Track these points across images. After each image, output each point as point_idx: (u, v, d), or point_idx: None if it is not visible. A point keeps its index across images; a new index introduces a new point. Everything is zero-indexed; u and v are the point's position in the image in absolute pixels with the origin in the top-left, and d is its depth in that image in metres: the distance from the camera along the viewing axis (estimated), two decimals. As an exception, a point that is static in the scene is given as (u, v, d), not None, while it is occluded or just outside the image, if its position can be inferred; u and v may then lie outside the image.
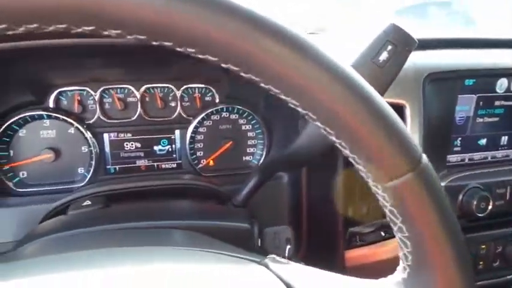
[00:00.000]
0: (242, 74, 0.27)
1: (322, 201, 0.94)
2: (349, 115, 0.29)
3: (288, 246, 0.75)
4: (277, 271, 0.44)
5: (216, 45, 0.25)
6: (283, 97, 0.29)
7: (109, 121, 1.03)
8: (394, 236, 0.37)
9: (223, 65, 0.27)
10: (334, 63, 0.28)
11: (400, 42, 0.57)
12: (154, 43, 0.25)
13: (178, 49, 0.26)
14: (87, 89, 0.99)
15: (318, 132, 0.71)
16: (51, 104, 0.97)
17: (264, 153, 1.13)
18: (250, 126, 1.13)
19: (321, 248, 0.95)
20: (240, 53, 0.26)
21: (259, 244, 0.74)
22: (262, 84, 0.28)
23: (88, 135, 0.99)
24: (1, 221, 0.85)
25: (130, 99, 1.04)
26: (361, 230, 0.94)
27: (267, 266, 0.48)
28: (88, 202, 0.72)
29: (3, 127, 0.92)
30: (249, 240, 0.70)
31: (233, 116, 1.12)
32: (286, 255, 0.74)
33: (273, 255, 0.51)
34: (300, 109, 0.30)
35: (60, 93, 0.98)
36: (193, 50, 0.26)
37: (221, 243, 0.59)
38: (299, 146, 0.75)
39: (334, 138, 0.30)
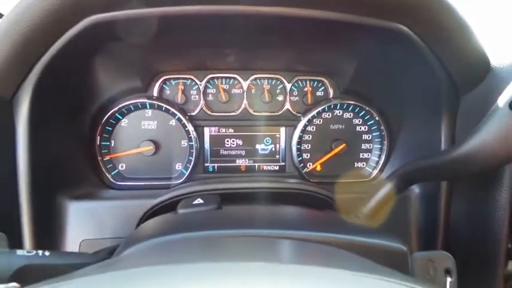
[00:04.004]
0: None
1: (472, 223, 0.74)
2: None
3: (449, 280, 0.57)
4: None
5: None
6: None
7: (212, 114, 0.93)
8: None
9: None
10: None
11: None
12: None
13: None
14: (192, 77, 0.91)
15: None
16: (155, 93, 0.91)
17: (382, 160, 0.96)
18: (366, 127, 0.97)
19: (467, 284, 0.74)
20: None
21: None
22: None
23: (190, 127, 0.91)
24: (99, 215, 0.78)
25: (235, 90, 0.94)
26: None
27: None
28: (200, 201, 0.61)
29: (108, 114, 0.87)
30: (402, 266, 0.53)
31: (347, 115, 0.96)
32: (446, 291, 0.56)
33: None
34: None
35: (164, 81, 0.91)
36: None
37: (386, 269, 0.43)
38: (468, 152, 0.56)
39: None
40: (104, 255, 0.58)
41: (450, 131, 0.75)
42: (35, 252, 0.49)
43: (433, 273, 0.57)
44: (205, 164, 0.95)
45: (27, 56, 0.60)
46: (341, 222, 0.62)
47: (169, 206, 0.75)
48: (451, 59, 0.69)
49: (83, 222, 0.76)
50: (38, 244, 0.69)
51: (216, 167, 0.96)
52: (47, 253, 0.49)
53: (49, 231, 0.73)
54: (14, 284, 0.32)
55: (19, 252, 0.48)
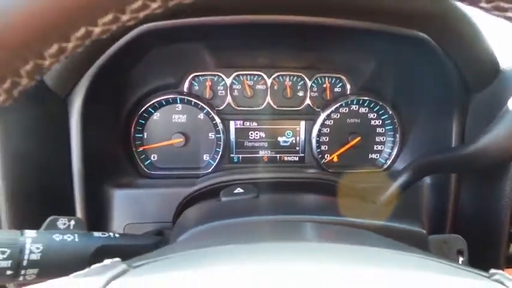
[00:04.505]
0: None
1: (478, 210, 0.82)
2: None
3: (461, 259, 0.65)
4: None
5: None
6: None
7: (237, 108, 1.00)
8: None
9: None
10: None
11: None
12: None
13: None
14: (220, 74, 0.98)
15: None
16: (185, 89, 0.97)
17: (394, 152, 1.03)
18: (380, 121, 1.04)
19: (472, 264, 0.82)
20: None
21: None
22: None
23: (218, 121, 0.97)
24: (140, 202, 0.86)
25: (259, 86, 1.00)
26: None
27: (502, 284, 0.39)
28: (239, 190, 0.69)
29: (143, 109, 0.94)
30: (421, 247, 0.61)
31: (362, 110, 1.03)
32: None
33: (500, 271, 0.42)
34: None
35: (193, 78, 0.97)
36: None
37: (415, 249, 0.51)
38: (482, 148, 0.64)
39: None
40: (155, 237, 0.66)
41: (460, 128, 0.83)
42: (107, 234, 0.56)
43: (447, 253, 0.65)
44: (231, 155, 1.03)
45: (84, 61, 0.67)
46: (367, 208, 0.70)
47: (204, 194, 0.83)
48: (464, 62, 0.76)
49: (126, 208, 0.84)
50: (89, 227, 0.76)
51: (240, 158, 1.03)
52: (117, 235, 0.57)
53: (98, 216, 0.80)
54: (117, 259, 0.39)
55: (96, 234, 0.55)
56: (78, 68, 0.67)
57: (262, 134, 1.03)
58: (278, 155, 1.04)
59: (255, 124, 1.02)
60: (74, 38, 0.25)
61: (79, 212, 0.76)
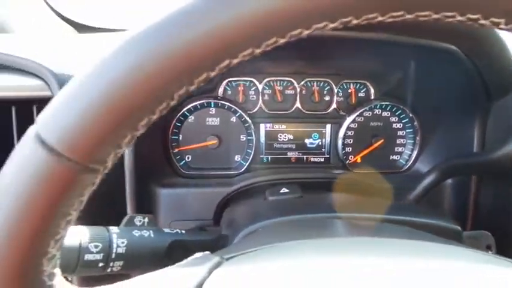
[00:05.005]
0: None
1: (499, 208, 0.88)
2: None
3: (490, 253, 0.71)
4: None
5: None
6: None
7: (268, 112, 1.06)
8: None
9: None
10: None
11: None
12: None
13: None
14: (253, 79, 1.03)
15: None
16: (219, 94, 1.02)
17: (414, 154, 1.09)
18: (401, 124, 1.10)
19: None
20: None
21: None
22: None
23: (250, 124, 1.03)
24: (182, 200, 0.91)
25: (288, 91, 1.06)
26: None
27: None
28: (285, 190, 0.74)
29: (180, 113, 0.99)
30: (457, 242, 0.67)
31: (385, 113, 1.09)
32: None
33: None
34: None
35: (227, 83, 1.03)
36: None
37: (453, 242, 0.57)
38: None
39: None
40: (212, 233, 0.71)
41: (481, 133, 0.89)
42: (175, 230, 0.61)
43: (478, 247, 0.72)
44: (261, 156, 1.08)
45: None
46: (402, 206, 0.76)
47: (243, 193, 0.89)
48: (488, 71, 0.82)
49: (171, 207, 0.89)
50: (139, 225, 0.81)
51: (269, 159, 1.09)
52: (183, 231, 0.62)
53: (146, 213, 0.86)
54: (207, 252, 0.45)
55: (166, 230, 0.60)
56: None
57: (291, 136, 1.08)
58: (305, 156, 1.10)
59: (283, 127, 1.08)
60: (218, 68, 0.31)
61: (130, 211, 0.81)
